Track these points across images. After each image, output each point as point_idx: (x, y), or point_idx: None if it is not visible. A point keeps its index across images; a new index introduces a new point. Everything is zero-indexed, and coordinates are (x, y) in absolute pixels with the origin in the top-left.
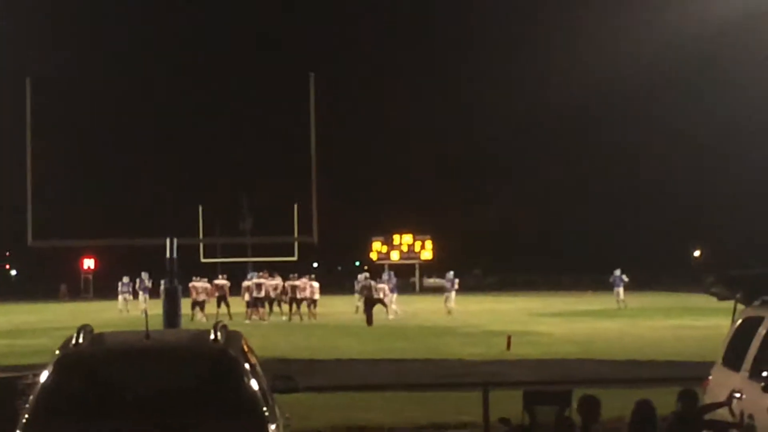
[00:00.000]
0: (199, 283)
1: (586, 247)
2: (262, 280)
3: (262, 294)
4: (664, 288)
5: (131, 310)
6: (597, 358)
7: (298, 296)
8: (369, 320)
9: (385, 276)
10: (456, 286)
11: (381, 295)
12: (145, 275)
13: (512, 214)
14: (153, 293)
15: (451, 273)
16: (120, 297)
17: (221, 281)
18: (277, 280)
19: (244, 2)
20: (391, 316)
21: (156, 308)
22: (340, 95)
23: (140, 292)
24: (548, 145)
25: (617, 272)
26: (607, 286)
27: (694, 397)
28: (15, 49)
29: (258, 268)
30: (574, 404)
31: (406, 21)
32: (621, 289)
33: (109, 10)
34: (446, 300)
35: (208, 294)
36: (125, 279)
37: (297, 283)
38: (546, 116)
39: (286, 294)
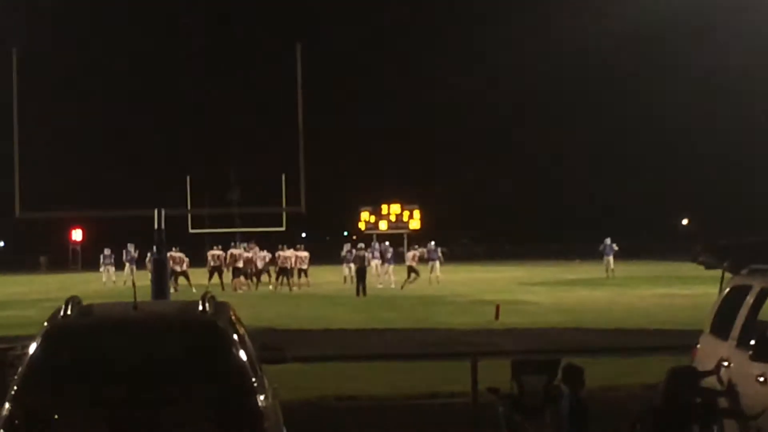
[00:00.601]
0: (176, 254)
1: (574, 216)
2: (250, 254)
3: (240, 265)
4: (652, 257)
5: (117, 281)
6: (585, 327)
7: (287, 266)
8: (363, 291)
9: (376, 245)
10: (440, 255)
11: (372, 266)
12: (131, 246)
13: (501, 184)
14: (140, 264)
15: (433, 243)
16: (102, 269)
17: (216, 251)
18: (263, 252)
19: None
20: (380, 285)
21: (143, 279)
22: (327, 64)
23: (126, 264)
24: (536, 113)
25: (608, 241)
26: (595, 255)
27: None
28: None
29: (246, 238)
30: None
31: None
32: (611, 258)
33: None
34: (431, 270)
35: (184, 264)
36: (107, 251)
37: (286, 253)
38: (533, 84)
39: (275, 264)
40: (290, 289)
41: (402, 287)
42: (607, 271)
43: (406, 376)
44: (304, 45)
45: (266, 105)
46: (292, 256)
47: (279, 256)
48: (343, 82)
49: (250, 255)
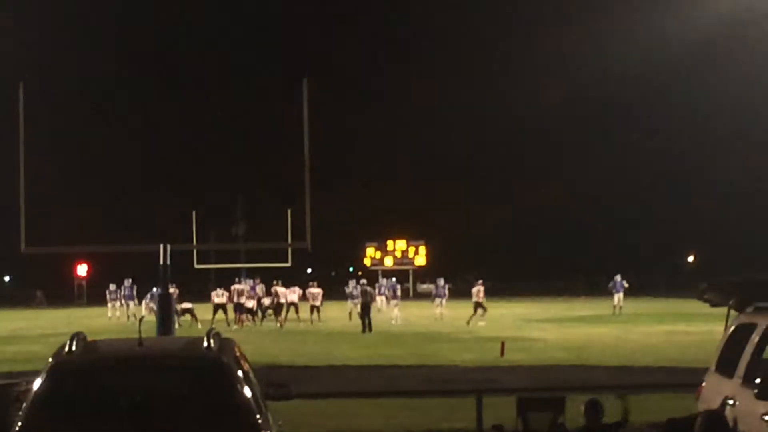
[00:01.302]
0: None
1: (580, 253)
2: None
3: (243, 300)
4: (657, 294)
5: (121, 316)
6: (590, 364)
7: (282, 302)
8: (369, 327)
9: (383, 282)
10: (446, 293)
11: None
12: (127, 282)
13: (506, 220)
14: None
15: (442, 280)
16: (109, 304)
17: (221, 291)
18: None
19: (242, 7)
20: (394, 322)
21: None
22: (334, 100)
23: (122, 300)
24: (542, 151)
25: (618, 278)
26: (601, 292)
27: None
28: (8, 53)
29: (251, 274)
30: (568, 411)
31: (399, 25)
32: (621, 295)
33: (104, 12)
34: (438, 305)
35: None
36: (112, 286)
37: (281, 289)
38: (539, 122)
39: (274, 301)
40: (280, 326)
41: (468, 323)
42: (614, 307)
43: (411, 413)
44: (310, 81)
45: (272, 140)
46: (287, 292)
47: (274, 291)
48: (350, 117)
49: (258, 293)
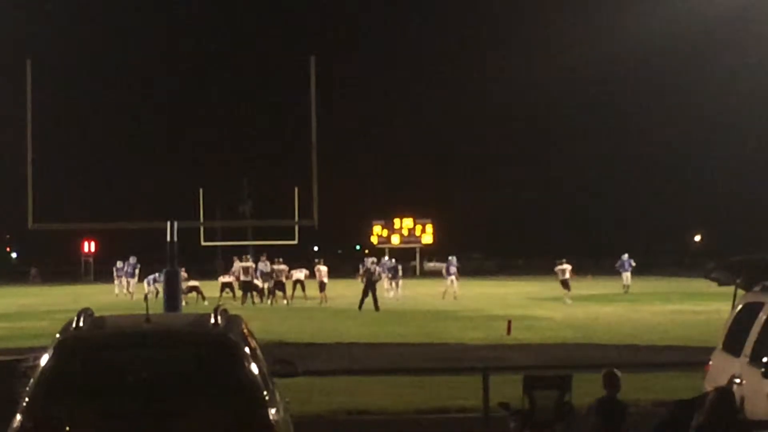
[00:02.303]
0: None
1: (586, 231)
2: (277, 266)
3: (250, 278)
4: (664, 273)
5: (125, 294)
6: (597, 342)
7: (282, 280)
8: (375, 304)
9: (385, 261)
10: (454, 271)
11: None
12: (132, 260)
13: (512, 198)
14: (140, 277)
15: (454, 258)
16: (116, 281)
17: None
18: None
19: None
20: (393, 299)
21: (141, 292)
22: (341, 77)
23: (123, 277)
24: (548, 128)
25: (625, 256)
26: (607, 271)
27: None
28: (15, 29)
29: (258, 252)
30: (575, 389)
31: (405, 2)
32: (629, 274)
33: None
34: (451, 284)
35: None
36: (119, 263)
37: (281, 267)
38: (545, 99)
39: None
40: (286, 303)
41: (568, 302)
42: (624, 286)
43: (417, 391)
44: (318, 58)
45: (280, 118)
46: (285, 269)
47: (273, 269)
48: (359, 95)
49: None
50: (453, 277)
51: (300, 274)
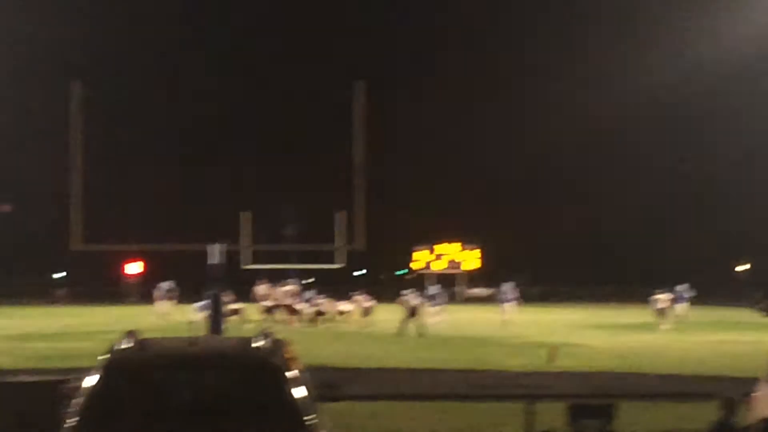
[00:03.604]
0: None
1: (630, 260)
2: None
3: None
4: (708, 302)
5: (168, 314)
6: (640, 371)
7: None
8: (418, 329)
9: (431, 289)
10: (513, 297)
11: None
12: (169, 284)
13: (557, 225)
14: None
15: (507, 284)
16: (158, 302)
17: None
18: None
19: (295, 9)
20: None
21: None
22: (386, 101)
23: (164, 299)
24: (595, 155)
25: (682, 287)
26: (650, 299)
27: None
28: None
29: (301, 275)
30: (617, 417)
31: (457, 25)
32: (686, 305)
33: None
34: (505, 310)
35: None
36: (162, 285)
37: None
38: (595, 125)
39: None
40: (329, 327)
41: (663, 328)
42: (677, 316)
43: (459, 417)
44: (365, 83)
45: (325, 141)
46: (329, 302)
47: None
48: (403, 119)
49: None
50: (511, 304)
51: (344, 306)
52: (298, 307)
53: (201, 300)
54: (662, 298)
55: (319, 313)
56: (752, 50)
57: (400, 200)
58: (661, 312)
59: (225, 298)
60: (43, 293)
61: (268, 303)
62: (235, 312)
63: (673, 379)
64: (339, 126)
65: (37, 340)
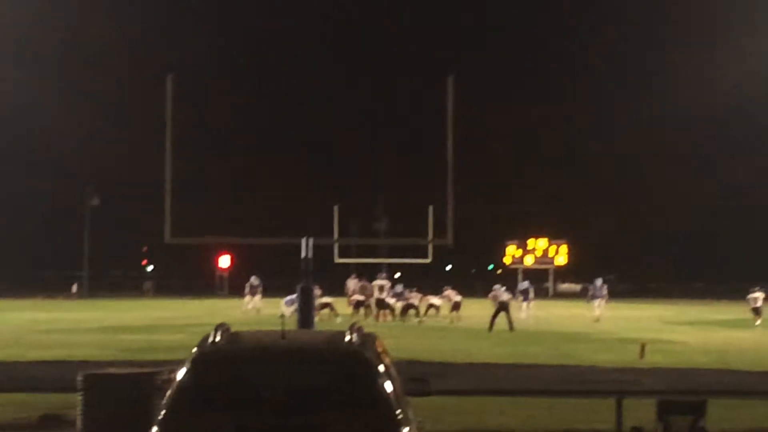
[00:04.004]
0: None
1: (721, 255)
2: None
3: (384, 296)
4: None
5: (261, 309)
6: (731, 368)
7: (414, 302)
8: (509, 325)
9: (524, 284)
10: (605, 293)
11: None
12: (254, 279)
13: (647, 220)
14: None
15: (599, 280)
16: (246, 297)
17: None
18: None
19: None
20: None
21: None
22: (478, 95)
23: (251, 293)
24: (684, 149)
25: None
26: (742, 295)
27: None
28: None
29: (391, 269)
30: (709, 414)
31: (547, 20)
32: None
33: (252, 8)
34: (597, 307)
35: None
36: (252, 279)
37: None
38: (682, 119)
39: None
40: (419, 322)
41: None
42: None
43: (549, 412)
44: (456, 77)
45: (416, 136)
46: (419, 296)
47: (406, 291)
48: (495, 115)
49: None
50: (602, 300)
51: (435, 300)
52: (388, 301)
53: (291, 294)
54: (759, 295)
55: (410, 307)
56: None
57: (492, 196)
58: (757, 310)
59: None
60: (132, 287)
61: (359, 297)
62: (326, 306)
63: (764, 377)
64: (430, 120)
65: (129, 332)
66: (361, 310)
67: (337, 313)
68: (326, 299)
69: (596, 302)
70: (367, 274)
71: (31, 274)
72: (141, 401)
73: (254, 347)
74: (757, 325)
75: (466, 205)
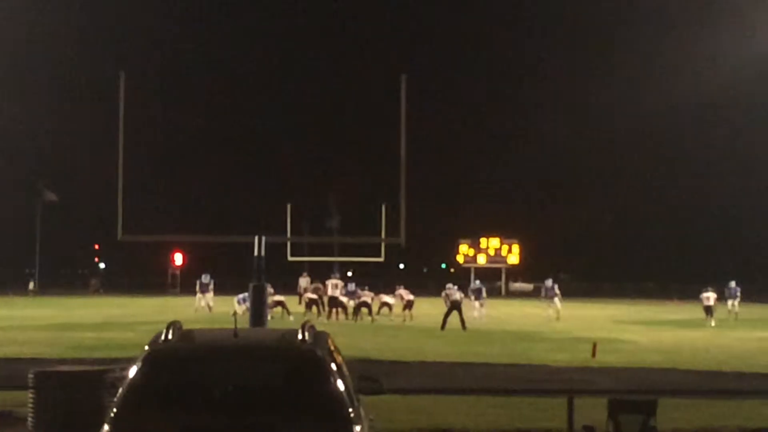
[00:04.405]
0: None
1: (673, 255)
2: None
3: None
4: (749, 299)
5: (213, 307)
6: (682, 368)
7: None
8: (461, 324)
9: (475, 283)
10: (558, 292)
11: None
12: (205, 277)
13: (599, 220)
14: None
15: (550, 280)
16: (199, 294)
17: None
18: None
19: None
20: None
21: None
22: (428, 94)
23: (202, 291)
24: (638, 148)
25: (732, 284)
26: (694, 296)
27: None
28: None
29: (343, 268)
30: (659, 413)
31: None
32: (736, 302)
33: (204, 6)
34: (550, 306)
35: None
36: (203, 277)
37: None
38: (635, 119)
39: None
40: (372, 320)
41: (710, 325)
42: (729, 312)
43: (501, 411)
44: (409, 76)
45: (369, 135)
46: (371, 295)
47: (358, 290)
48: (446, 114)
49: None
50: (557, 299)
51: (388, 298)
52: (341, 299)
53: (243, 292)
54: (711, 295)
55: (363, 305)
56: None
57: (442, 193)
58: (709, 309)
59: (267, 290)
60: (84, 285)
61: (311, 295)
62: (278, 304)
63: (715, 376)
64: (383, 120)
65: (80, 330)
66: (314, 309)
67: (289, 312)
68: (279, 297)
69: (548, 301)
70: (320, 272)
71: None
72: (92, 399)
73: (206, 345)
74: (712, 326)
75: (419, 204)
